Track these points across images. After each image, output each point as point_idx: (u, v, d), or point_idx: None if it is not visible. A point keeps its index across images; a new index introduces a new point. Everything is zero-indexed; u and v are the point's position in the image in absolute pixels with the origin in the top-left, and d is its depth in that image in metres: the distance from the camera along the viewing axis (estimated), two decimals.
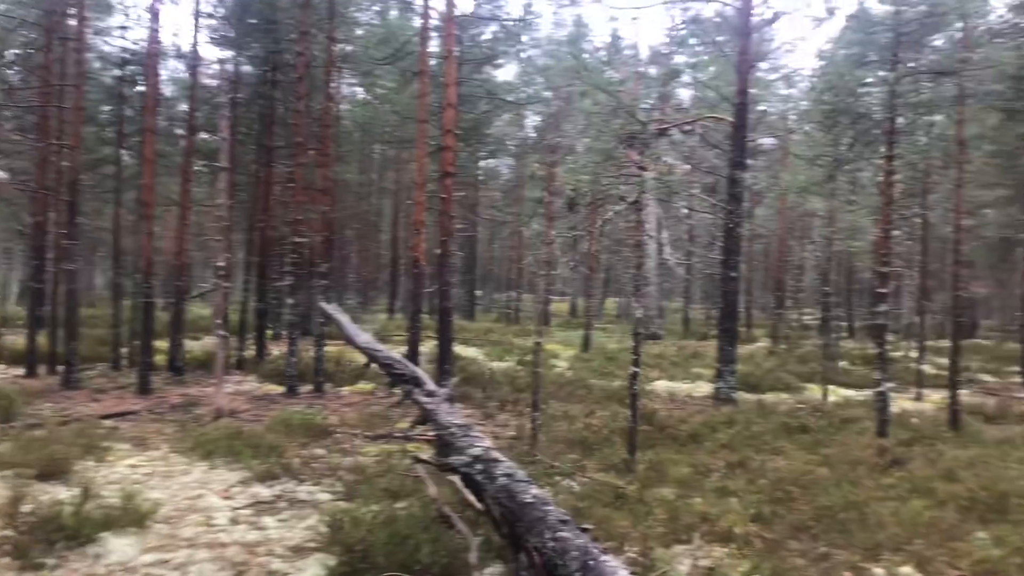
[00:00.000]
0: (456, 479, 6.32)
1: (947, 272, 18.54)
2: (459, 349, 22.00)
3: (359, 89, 32.58)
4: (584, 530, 4.59)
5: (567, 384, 16.67)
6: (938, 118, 22.06)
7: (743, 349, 26.57)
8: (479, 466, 5.33)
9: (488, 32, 24.41)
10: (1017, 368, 22.61)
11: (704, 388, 17.51)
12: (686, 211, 32.47)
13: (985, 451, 10.93)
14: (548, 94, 29.66)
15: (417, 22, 19.45)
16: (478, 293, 49.88)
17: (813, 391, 17.79)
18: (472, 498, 6.50)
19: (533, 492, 4.84)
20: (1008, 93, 18.26)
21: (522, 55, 26.97)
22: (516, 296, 40.25)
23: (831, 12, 13.28)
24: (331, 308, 11.22)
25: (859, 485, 8.77)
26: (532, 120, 39.44)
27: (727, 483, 9.04)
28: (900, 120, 15.66)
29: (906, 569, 6.49)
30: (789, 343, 28.54)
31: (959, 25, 14.28)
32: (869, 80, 13.84)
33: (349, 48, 21.88)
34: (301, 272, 15.89)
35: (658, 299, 31.46)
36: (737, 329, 16.32)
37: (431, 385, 6.92)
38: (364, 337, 7.81)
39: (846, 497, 8.13)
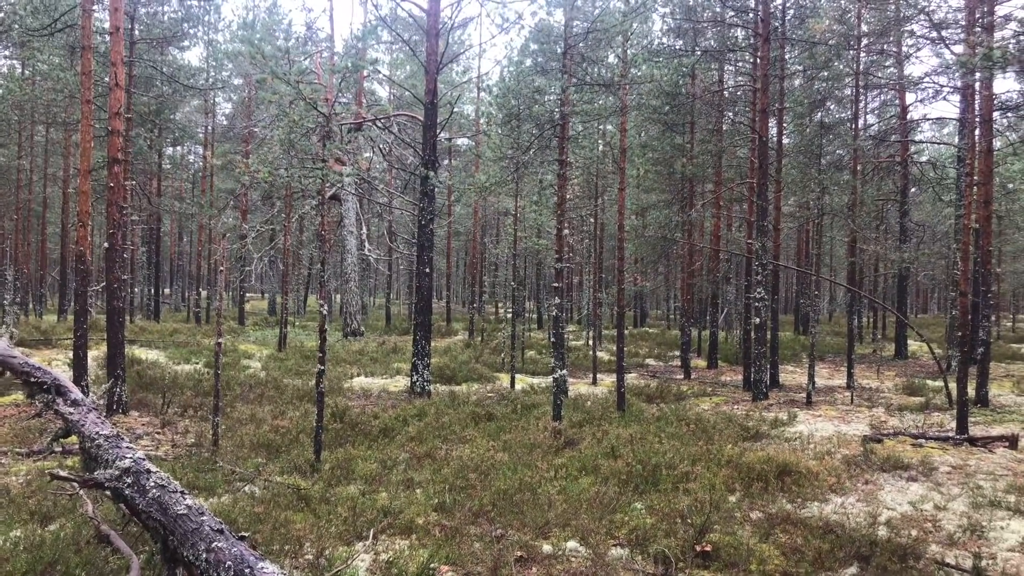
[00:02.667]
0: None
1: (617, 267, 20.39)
2: (140, 352, 20.26)
3: (17, 63, 28.79)
4: (242, 538, 4.33)
5: (259, 385, 15.99)
6: (610, 127, 24.26)
7: (442, 342, 27.42)
8: (128, 479, 4.82)
9: (169, 10, 22.63)
10: (677, 352, 25.50)
11: (402, 382, 17.69)
12: (385, 207, 32.64)
13: (644, 428, 12.11)
14: (239, 81, 28.28)
15: None
16: (165, 291, 46.37)
17: (503, 380, 18.74)
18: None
19: (187, 503, 4.49)
20: (664, 107, 20.49)
21: (209, 38, 25.36)
22: (207, 294, 37.92)
23: (512, 21, 13.92)
24: None
25: (533, 467, 9.31)
26: (224, 108, 37.46)
27: (413, 475, 9.16)
28: (579, 127, 17.00)
29: (571, 543, 6.95)
30: (485, 335, 29.82)
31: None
32: (552, 88, 14.77)
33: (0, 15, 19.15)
34: None
35: (359, 295, 31.31)
36: (431, 323, 16.65)
37: (76, 394, 6.18)
38: None
39: (521, 479, 8.58)
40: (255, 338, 27.22)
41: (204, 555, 4.13)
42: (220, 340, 10.40)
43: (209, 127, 34.13)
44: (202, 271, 40.71)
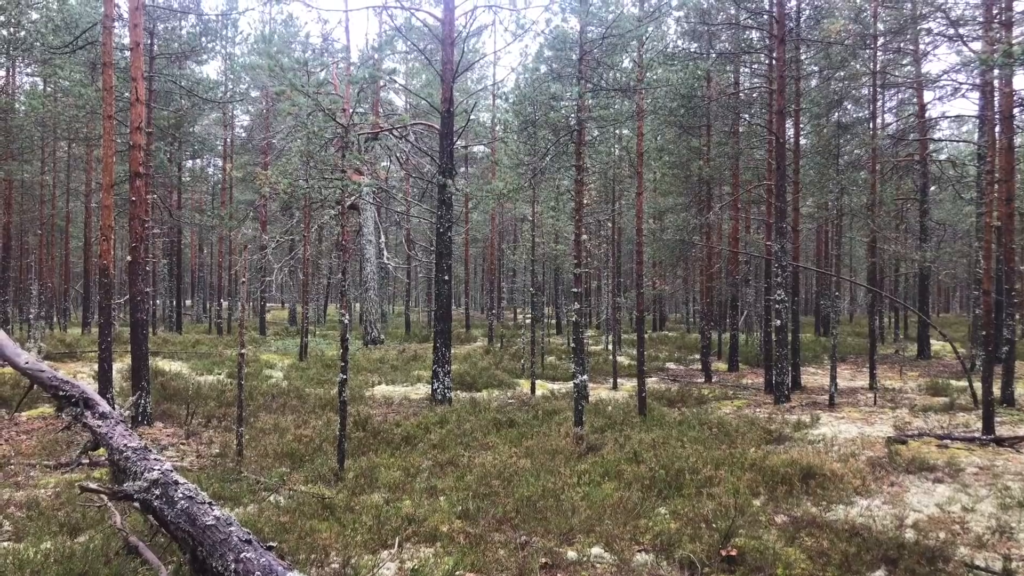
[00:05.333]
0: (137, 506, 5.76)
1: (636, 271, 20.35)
2: (163, 363, 20.44)
3: (40, 80, 29.20)
4: (270, 548, 4.38)
5: (281, 395, 16.09)
6: (626, 131, 24.25)
7: (461, 349, 27.46)
8: (157, 491, 4.89)
9: (187, 25, 22.89)
10: (698, 356, 25.41)
11: (423, 390, 17.74)
12: (403, 216, 32.79)
13: (666, 433, 12.09)
14: (256, 93, 28.55)
15: (102, 8, 17.75)
16: (187, 303, 46.79)
17: (524, 386, 18.75)
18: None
19: (215, 514, 4.54)
20: (680, 110, 20.46)
21: (227, 52, 25.62)
22: (228, 305, 38.19)
23: (526, 28, 13.99)
24: None
25: (556, 473, 9.31)
26: (242, 120, 37.79)
27: (436, 482, 9.19)
28: (595, 132, 17.02)
29: (596, 549, 6.95)
30: (504, 341, 29.85)
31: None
32: (567, 94, 14.81)
33: (21, 33, 19.47)
34: None
35: (379, 303, 31.45)
36: (451, 330, 16.70)
37: (104, 407, 6.27)
38: (25, 357, 6.89)
39: (544, 486, 8.59)
40: (276, 348, 27.38)
41: (232, 565, 4.18)
42: (243, 351, 10.49)
43: (228, 139, 34.45)
44: (223, 282, 41.05)
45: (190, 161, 35.15)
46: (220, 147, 35.23)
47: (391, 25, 20.23)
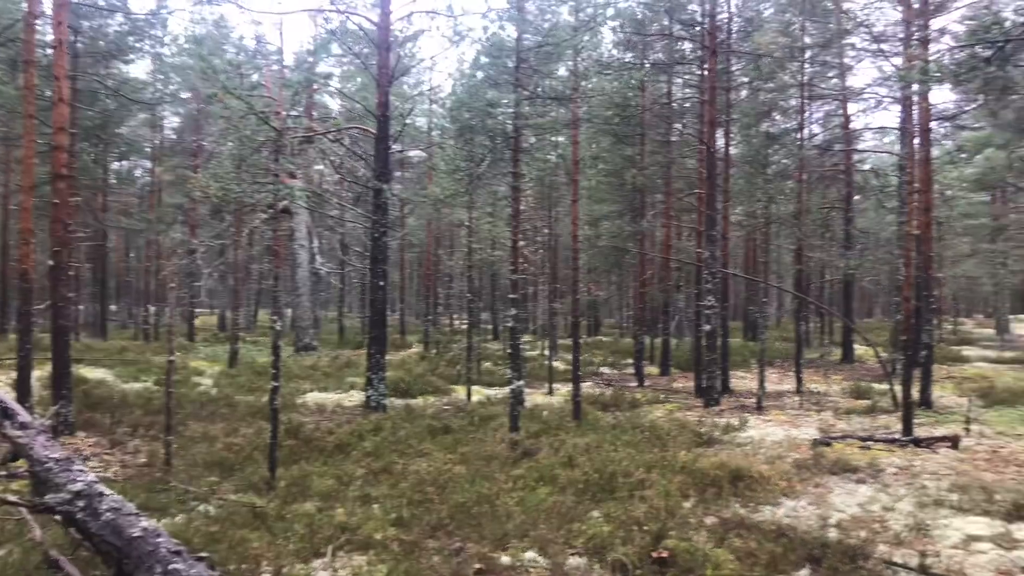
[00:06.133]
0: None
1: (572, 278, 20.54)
2: (86, 371, 19.77)
3: None
4: (200, 559, 4.29)
5: (211, 402, 15.78)
6: (562, 139, 24.47)
7: (396, 356, 27.26)
8: (81, 503, 4.75)
9: (114, 24, 22.24)
10: (631, 360, 25.74)
11: (356, 397, 17.57)
12: (337, 220, 32.45)
13: (599, 437, 12.25)
14: (186, 94, 27.92)
15: (24, 5, 17.13)
16: (112, 308, 45.37)
17: (459, 392, 18.73)
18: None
19: (143, 525, 4.44)
20: (615, 119, 20.75)
21: (156, 52, 24.99)
22: (156, 311, 37.16)
23: (463, 35, 14.04)
24: None
25: (492, 479, 9.34)
26: (172, 121, 36.85)
27: (370, 490, 9.14)
28: (532, 140, 17.13)
29: (530, 554, 7.00)
30: (440, 348, 29.75)
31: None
32: (504, 101, 14.89)
33: None
34: None
35: (312, 309, 31.02)
36: (386, 336, 16.59)
37: (24, 416, 6.05)
38: None
39: (479, 492, 8.61)
40: (206, 354, 26.79)
41: None
42: (172, 358, 10.26)
43: (157, 141, 33.57)
44: (150, 287, 39.96)
45: (117, 163, 34.08)
46: (148, 149, 34.29)
47: (326, 29, 20.04)
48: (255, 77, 22.85)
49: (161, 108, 32.42)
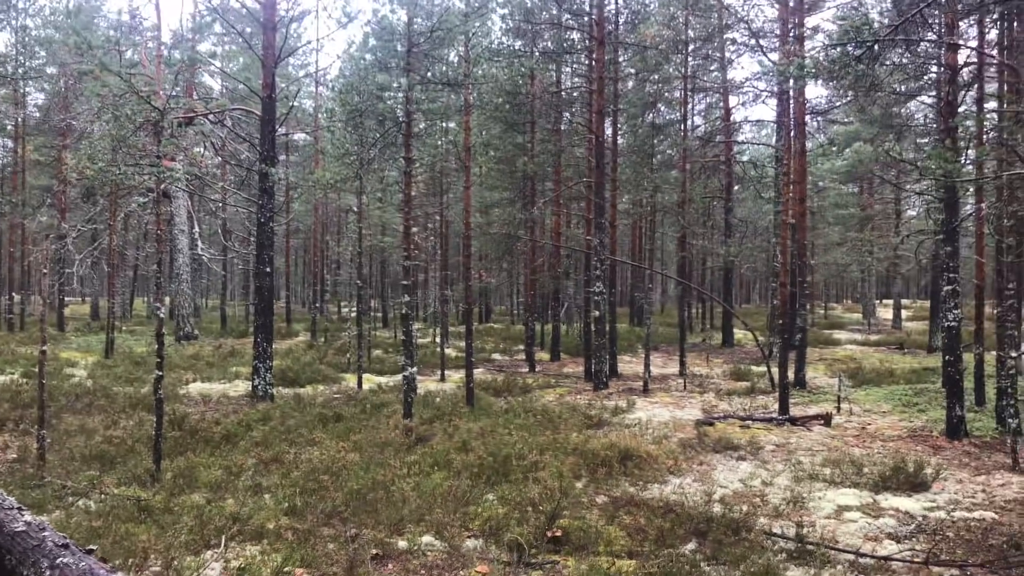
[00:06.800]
0: None
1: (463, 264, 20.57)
2: None
3: None
4: (89, 551, 4.11)
5: (87, 394, 15.00)
6: (453, 125, 24.41)
7: (283, 344, 26.64)
8: None
9: None
10: (522, 347, 26.05)
11: (242, 387, 17.09)
12: (220, 204, 31.35)
13: (493, 421, 12.36)
14: (53, 70, 26.22)
15: None
16: None
17: (350, 380, 18.49)
18: None
19: (26, 519, 4.19)
20: (505, 106, 20.85)
21: (20, 23, 23.40)
22: (21, 299, 34.94)
23: (352, 17, 13.76)
24: None
25: (386, 465, 9.29)
26: (36, 98, 34.62)
27: (261, 480, 8.94)
28: (423, 125, 17.01)
29: (427, 538, 7.02)
30: (328, 336, 29.25)
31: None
32: (395, 85, 14.71)
33: None
34: None
35: (192, 296, 29.89)
36: (272, 324, 16.18)
37: None
38: None
39: (374, 478, 8.55)
40: (78, 345, 25.43)
41: (47, 572, 3.90)
42: (44, 348, 9.69)
43: (19, 119, 31.44)
44: (14, 274, 37.54)
45: None
46: (10, 127, 32.07)
47: (208, 6, 19.26)
48: (129, 54, 21.70)
49: (24, 84, 30.37)
